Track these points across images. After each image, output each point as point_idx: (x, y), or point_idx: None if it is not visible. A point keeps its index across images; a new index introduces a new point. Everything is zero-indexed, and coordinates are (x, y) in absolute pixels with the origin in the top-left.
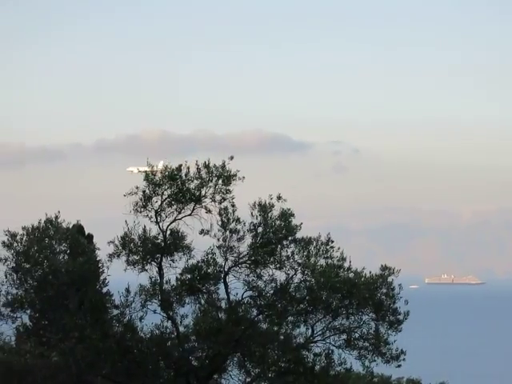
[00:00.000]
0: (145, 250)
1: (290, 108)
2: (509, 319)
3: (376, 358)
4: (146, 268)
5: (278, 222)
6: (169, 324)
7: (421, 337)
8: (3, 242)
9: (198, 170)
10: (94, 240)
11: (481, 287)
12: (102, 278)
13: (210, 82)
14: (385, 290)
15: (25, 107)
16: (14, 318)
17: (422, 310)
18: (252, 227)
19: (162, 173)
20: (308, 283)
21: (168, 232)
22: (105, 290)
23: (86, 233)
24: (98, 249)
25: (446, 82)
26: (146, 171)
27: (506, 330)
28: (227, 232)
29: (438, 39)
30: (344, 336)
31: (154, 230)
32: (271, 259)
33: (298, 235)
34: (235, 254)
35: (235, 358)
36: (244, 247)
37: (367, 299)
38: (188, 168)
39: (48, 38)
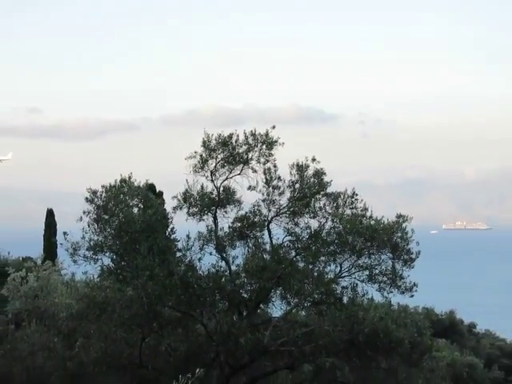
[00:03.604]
0: (202, 203)
1: (323, 84)
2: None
3: (393, 290)
4: (204, 218)
5: (312, 180)
6: (223, 264)
7: (437, 273)
8: (86, 198)
9: (246, 137)
10: (165, 196)
11: (488, 232)
12: (170, 227)
13: (258, 63)
14: (400, 234)
15: (101, 82)
16: (95, 260)
17: (440, 250)
18: (291, 184)
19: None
20: (337, 229)
21: (221, 188)
22: (173, 236)
23: (158, 190)
24: (165, 203)
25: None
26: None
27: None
28: (270, 188)
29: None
30: (366, 272)
31: (209, 187)
32: (306, 210)
33: (329, 190)
34: (277, 206)
35: (278, 291)
36: (284, 200)
37: (385, 242)
38: (238, 136)
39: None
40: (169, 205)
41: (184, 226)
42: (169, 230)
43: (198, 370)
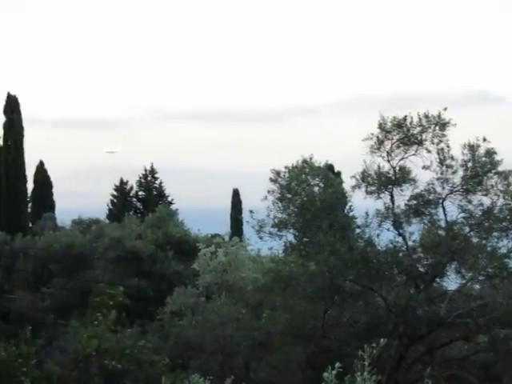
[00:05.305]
0: (379, 182)
1: (489, 65)
2: None
3: None
4: (381, 196)
5: (483, 159)
6: (400, 239)
7: None
8: (271, 178)
9: (420, 119)
10: (342, 176)
11: None
12: (349, 205)
13: (424, 50)
14: None
15: (283, 72)
16: (280, 236)
17: None
18: (463, 163)
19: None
20: (508, 206)
21: (397, 168)
22: (351, 214)
23: (336, 170)
24: (343, 182)
25: None
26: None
27: None
28: (444, 167)
29: None
30: None
31: (386, 167)
32: (479, 188)
33: (500, 168)
34: (450, 185)
35: (452, 266)
36: (457, 179)
37: None
38: (411, 118)
39: None
40: (346, 184)
41: (360, 204)
42: (347, 207)
43: (381, 339)
